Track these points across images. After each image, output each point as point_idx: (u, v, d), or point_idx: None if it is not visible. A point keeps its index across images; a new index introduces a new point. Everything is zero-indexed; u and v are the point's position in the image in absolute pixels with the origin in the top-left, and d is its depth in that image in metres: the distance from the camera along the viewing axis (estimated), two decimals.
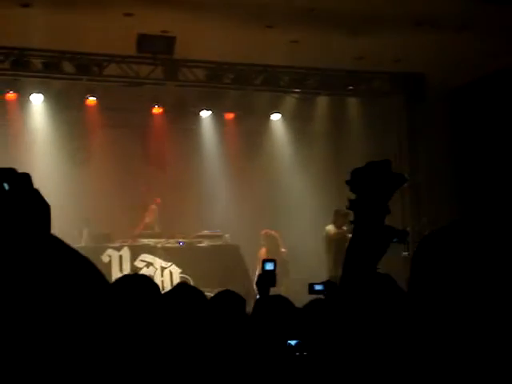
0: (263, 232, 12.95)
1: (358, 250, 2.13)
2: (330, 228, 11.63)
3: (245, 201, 13.89)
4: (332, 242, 11.41)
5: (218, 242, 12.57)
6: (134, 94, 12.51)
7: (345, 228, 11.28)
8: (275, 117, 14.23)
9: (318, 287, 4.77)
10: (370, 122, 13.64)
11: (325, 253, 11.62)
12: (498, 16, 9.97)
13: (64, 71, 11.32)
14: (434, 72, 12.37)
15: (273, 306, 3.64)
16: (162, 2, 9.58)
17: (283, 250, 12.84)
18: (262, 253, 12.75)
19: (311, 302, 3.81)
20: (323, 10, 10.02)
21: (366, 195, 2.16)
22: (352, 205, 2.20)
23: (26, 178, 1.85)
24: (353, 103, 13.80)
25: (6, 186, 1.80)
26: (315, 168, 14.37)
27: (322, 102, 13.88)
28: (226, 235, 12.71)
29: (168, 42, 10.77)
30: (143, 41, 10.71)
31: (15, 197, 1.78)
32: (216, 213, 13.66)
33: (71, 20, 9.98)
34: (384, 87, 13.09)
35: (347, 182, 2.20)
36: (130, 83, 11.86)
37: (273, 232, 12.97)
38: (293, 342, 3.24)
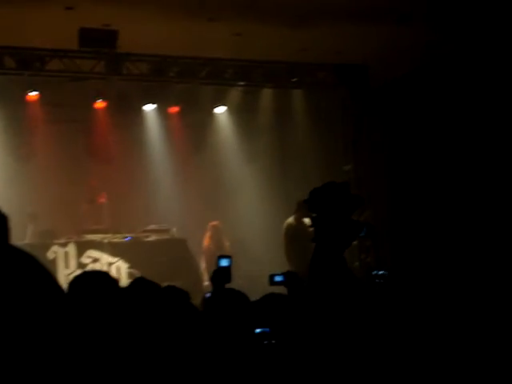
0: (210, 224, 12.98)
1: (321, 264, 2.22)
2: (291, 221, 11.70)
3: (191, 194, 13.87)
4: (293, 234, 11.48)
5: (165, 236, 12.54)
6: (76, 89, 12.40)
7: (306, 220, 11.35)
8: (220, 110, 14.21)
9: (279, 278, 4.82)
10: (315, 114, 13.75)
11: (285, 245, 11.68)
12: (435, 7, 10.15)
13: (5, 66, 11.16)
14: (376, 63, 12.51)
15: (228, 300, 3.67)
16: None
17: (227, 243, 12.88)
18: (206, 245, 12.79)
19: (267, 296, 3.85)
20: (265, 3, 10.07)
21: (326, 214, 2.25)
22: (314, 222, 2.30)
23: None
24: (298, 95, 13.87)
25: None
26: (261, 160, 14.42)
27: (267, 94, 13.91)
28: (173, 229, 12.69)
29: (110, 35, 10.70)
30: (85, 35, 10.61)
31: None
32: (163, 207, 13.62)
33: (12, 14, 9.84)
34: (328, 79, 13.19)
35: (305, 201, 2.33)
36: (72, 78, 11.75)
37: (218, 224, 13.00)
38: (259, 330, 3.27)
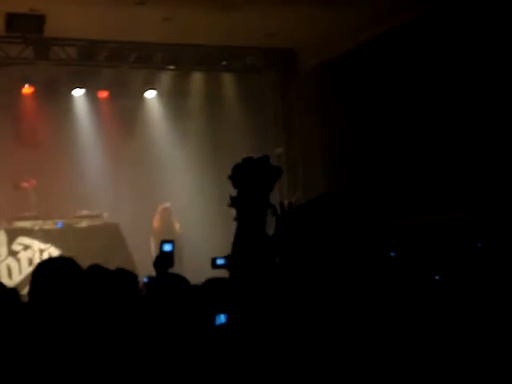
0: (161, 206, 13.00)
1: (244, 242, 2.23)
2: None
3: (123, 178, 13.83)
4: None
5: (97, 222, 12.49)
6: (3, 74, 12.20)
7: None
8: (150, 94, 14.16)
9: (220, 261, 4.84)
10: (245, 97, 13.83)
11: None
12: None
13: None
14: (305, 46, 12.65)
15: (169, 284, 3.71)
16: None
17: (177, 225, 12.94)
18: (156, 227, 12.83)
19: (208, 281, 3.90)
20: None
21: (246, 190, 2.25)
22: (234, 201, 2.28)
23: None
24: (228, 79, 13.93)
25: None
26: (192, 144, 14.43)
27: (197, 77, 13.94)
28: (105, 214, 12.64)
29: (37, 20, 10.56)
30: (12, 20, 10.46)
31: None
32: (94, 192, 13.52)
33: None
34: (257, 63, 13.28)
35: (230, 178, 2.29)
36: (0, 63, 11.57)
37: (168, 206, 13.02)
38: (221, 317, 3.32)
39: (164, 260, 4.53)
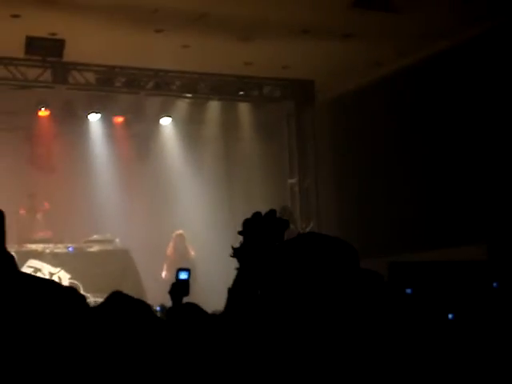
0: (175, 233, 12.96)
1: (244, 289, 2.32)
2: None
3: (136, 204, 13.82)
4: None
5: (109, 247, 12.46)
6: (20, 97, 12.26)
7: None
8: (166, 121, 14.19)
9: (184, 275, 4.73)
10: (261, 127, 13.86)
11: None
12: (379, 24, 10.34)
13: None
14: (322, 78, 12.68)
15: (186, 313, 3.65)
16: (50, 3, 9.46)
17: (192, 252, 12.88)
18: (169, 254, 12.77)
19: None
20: (213, 16, 10.13)
21: (251, 242, 2.36)
22: (236, 252, 2.39)
23: None
24: (244, 108, 13.96)
25: None
26: (206, 171, 14.43)
27: (214, 106, 13.96)
28: (117, 240, 12.62)
29: (57, 44, 10.62)
30: (32, 43, 10.52)
31: None
32: (106, 217, 13.52)
33: None
34: (274, 93, 13.32)
35: (240, 233, 2.40)
36: (18, 86, 11.63)
37: (182, 233, 12.98)
38: None
39: (180, 288, 4.46)
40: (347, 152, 13.07)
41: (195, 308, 3.78)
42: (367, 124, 12.54)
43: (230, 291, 2.34)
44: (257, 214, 2.41)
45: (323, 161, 13.32)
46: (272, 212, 2.42)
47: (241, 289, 2.32)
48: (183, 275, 4.54)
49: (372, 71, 12.23)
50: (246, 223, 2.40)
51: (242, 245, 2.37)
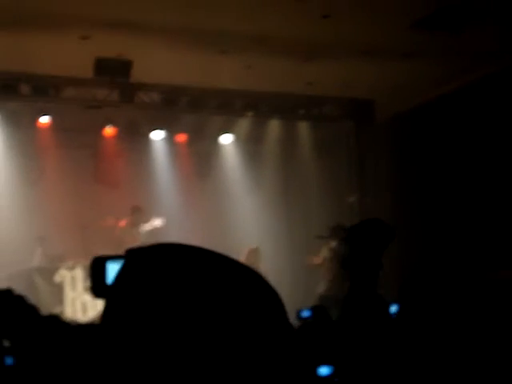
0: (249, 248, 13.09)
1: (356, 303, 2.28)
2: (334, 245, 11.96)
3: (197, 220, 14.05)
4: (332, 259, 11.80)
5: None
6: (87, 115, 12.63)
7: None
8: (227, 139, 14.45)
9: (306, 313, 4.55)
10: (320, 145, 14.00)
11: (325, 270, 11.95)
12: (439, 43, 10.43)
13: (21, 92, 11.42)
14: (382, 97, 12.78)
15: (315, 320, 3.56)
16: (119, 25, 9.77)
17: (263, 268, 13.01)
18: None
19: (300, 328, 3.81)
20: (275, 38, 10.36)
21: (359, 251, 2.31)
22: (345, 263, 2.35)
23: None
24: (304, 127, 14.13)
25: None
26: (266, 189, 14.61)
27: (274, 124, 14.17)
28: None
29: (125, 65, 10.95)
30: (100, 64, 10.87)
31: None
32: (167, 233, 13.75)
33: (28, 42, 10.11)
34: (334, 112, 13.46)
35: (345, 240, 2.37)
36: (86, 106, 12.00)
37: (256, 248, 13.08)
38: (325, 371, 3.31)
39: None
40: (407, 170, 13.11)
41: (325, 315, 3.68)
42: (427, 143, 12.59)
43: (345, 300, 2.28)
44: (363, 223, 2.35)
45: (382, 179, 13.40)
46: (377, 220, 2.36)
47: (355, 300, 2.26)
48: (306, 313, 4.41)
49: (432, 90, 12.30)
50: (352, 230, 2.35)
51: (351, 255, 2.32)
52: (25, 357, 2.19)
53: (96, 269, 1.89)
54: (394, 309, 3.35)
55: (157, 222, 12.82)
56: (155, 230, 13.05)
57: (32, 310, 2.34)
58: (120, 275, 1.20)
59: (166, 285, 1.14)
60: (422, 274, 1.99)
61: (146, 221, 12.97)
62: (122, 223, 12.96)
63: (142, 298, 1.14)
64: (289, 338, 1.14)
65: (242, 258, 13.01)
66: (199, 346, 1.09)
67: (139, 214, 13.00)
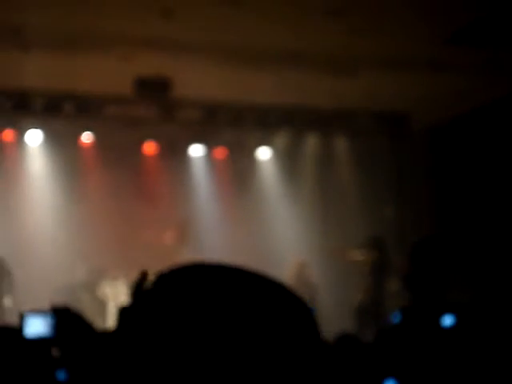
0: (296, 261, 13.18)
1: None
2: (372, 254, 12.11)
3: (236, 235, 14.17)
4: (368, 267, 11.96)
5: None
6: (128, 133, 12.88)
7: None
8: (265, 153, 14.59)
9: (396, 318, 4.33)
10: (357, 159, 14.09)
11: (362, 278, 12.09)
12: (474, 57, 10.51)
13: (64, 111, 11.71)
14: (417, 110, 12.86)
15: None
16: (159, 45, 10.03)
17: (314, 281, 13.09)
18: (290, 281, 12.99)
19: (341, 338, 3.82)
20: (309, 53, 10.53)
21: (424, 270, 2.21)
22: (408, 281, 2.26)
23: None
24: (340, 140, 14.24)
25: None
26: (304, 203, 14.70)
27: (312, 139, 14.31)
28: None
29: (165, 83, 11.20)
30: (141, 82, 11.13)
31: None
32: (207, 248, 13.89)
33: (72, 62, 10.40)
34: (370, 125, 13.55)
35: (412, 257, 2.26)
36: (128, 123, 12.25)
37: (303, 261, 13.19)
38: None
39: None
40: (444, 182, 13.13)
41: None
42: (463, 155, 12.61)
43: (403, 314, 2.22)
44: (428, 239, 2.27)
45: (419, 191, 13.44)
46: (443, 237, 2.23)
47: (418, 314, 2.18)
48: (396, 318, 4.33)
49: (467, 102, 12.34)
50: (418, 248, 2.23)
51: (414, 272, 2.20)
52: (80, 373, 2.24)
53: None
54: (448, 321, 3.34)
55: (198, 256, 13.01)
56: (199, 246, 13.23)
57: (89, 328, 2.39)
58: (150, 297, 1.20)
59: (198, 309, 1.14)
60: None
61: (193, 236, 13.15)
62: (169, 239, 13.14)
63: (170, 322, 1.13)
64: (321, 361, 1.13)
65: (291, 271, 13.08)
66: (231, 369, 1.09)
67: (186, 229, 13.19)
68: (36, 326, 2.41)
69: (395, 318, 4.61)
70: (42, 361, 2.29)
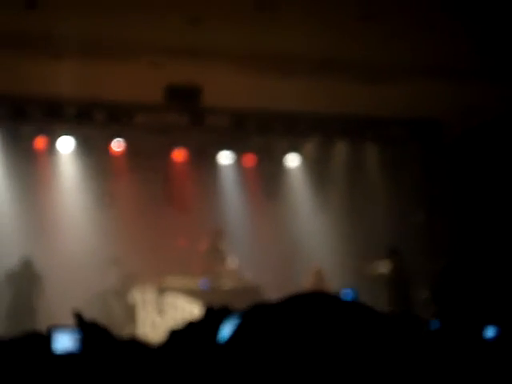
0: (314, 269, 13.20)
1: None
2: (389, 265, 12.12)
3: (265, 241, 14.17)
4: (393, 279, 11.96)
5: (241, 284, 12.81)
6: (158, 140, 12.94)
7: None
8: (294, 160, 14.56)
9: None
10: (387, 167, 14.02)
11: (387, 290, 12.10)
12: (504, 63, 10.44)
13: (95, 119, 11.81)
14: (448, 118, 12.78)
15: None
16: (189, 53, 10.09)
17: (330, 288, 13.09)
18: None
19: None
20: (339, 60, 10.52)
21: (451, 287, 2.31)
22: (436, 298, 2.32)
23: None
24: (370, 148, 14.18)
25: None
26: (333, 210, 14.65)
27: (341, 146, 14.26)
28: (248, 276, 12.96)
29: (195, 91, 11.25)
30: (171, 90, 11.19)
31: None
32: (237, 253, 13.89)
33: (103, 70, 10.50)
34: (401, 133, 13.49)
35: (440, 275, 2.34)
36: (158, 130, 12.32)
37: (320, 269, 13.21)
38: None
39: None
40: (474, 190, 13.03)
41: None
42: (494, 162, 12.51)
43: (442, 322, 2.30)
44: (458, 262, 2.26)
45: (449, 199, 13.35)
46: (475, 259, 2.28)
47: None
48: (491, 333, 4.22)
49: (498, 108, 12.24)
50: (449, 268, 2.25)
51: (441, 289, 2.23)
52: None
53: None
54: (490, 333, 3.29)
55: (233, 265, 13.06)
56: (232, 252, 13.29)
57: (117, 342, 2.39)
58: (238, 334, 1.19)
59: (290, 346, 1.14)
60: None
61: (224, 244, 13.20)
62: (203, 246, 13.17)
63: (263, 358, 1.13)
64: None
65: (308, 279, 13.11)
66: None
67: (221, 236, 13.24)
68: (64, 342, 2.41)
69: (434, 325, 4.60)
70: (70, 376, 2.29)
